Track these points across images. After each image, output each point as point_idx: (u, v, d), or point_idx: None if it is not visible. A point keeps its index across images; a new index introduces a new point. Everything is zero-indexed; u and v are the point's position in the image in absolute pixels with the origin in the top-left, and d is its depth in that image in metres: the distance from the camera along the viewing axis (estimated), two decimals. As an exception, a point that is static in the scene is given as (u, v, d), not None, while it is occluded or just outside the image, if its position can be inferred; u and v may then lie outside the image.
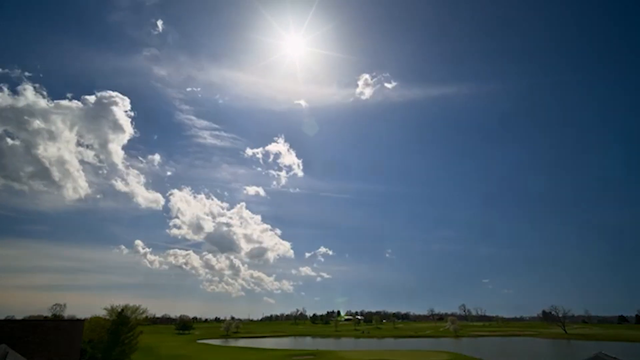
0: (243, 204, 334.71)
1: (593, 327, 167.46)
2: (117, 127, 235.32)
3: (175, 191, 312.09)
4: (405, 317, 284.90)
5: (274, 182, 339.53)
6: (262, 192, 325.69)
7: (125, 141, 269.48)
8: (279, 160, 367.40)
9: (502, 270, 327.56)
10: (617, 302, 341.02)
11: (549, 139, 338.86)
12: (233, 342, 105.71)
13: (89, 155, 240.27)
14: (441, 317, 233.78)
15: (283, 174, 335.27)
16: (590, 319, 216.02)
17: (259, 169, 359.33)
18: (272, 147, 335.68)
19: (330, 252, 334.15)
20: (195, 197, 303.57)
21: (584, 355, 31.07)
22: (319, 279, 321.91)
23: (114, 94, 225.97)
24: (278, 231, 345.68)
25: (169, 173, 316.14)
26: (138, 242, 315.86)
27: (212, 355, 65.76)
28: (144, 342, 60.88)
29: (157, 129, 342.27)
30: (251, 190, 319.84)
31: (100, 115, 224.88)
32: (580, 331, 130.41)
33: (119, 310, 49.85)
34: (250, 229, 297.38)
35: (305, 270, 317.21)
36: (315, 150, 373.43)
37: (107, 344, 42.26)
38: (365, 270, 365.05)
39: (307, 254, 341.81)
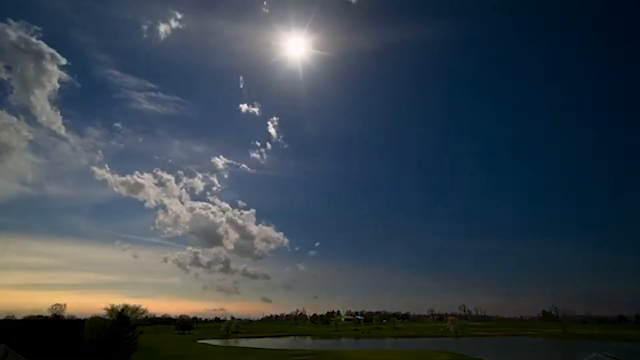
0: (217, 188, 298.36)
1: (593, 327, 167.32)
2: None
3: (139, 174, 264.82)
4: (405, 317, 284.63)
5: (250, 159, 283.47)
6: (232, 174, 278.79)
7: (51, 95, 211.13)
8: (250, 130, 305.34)
9: (503, 270, 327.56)
10: (617, 302, 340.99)
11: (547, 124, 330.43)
12: (233, 342, 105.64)
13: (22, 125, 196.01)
14: (441, 317, 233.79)
15: (257, 149, 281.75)
16: (590, 319, 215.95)
17: (225, 143, 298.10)
18: (242, 108, 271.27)
19: (328, 249, 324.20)
20: (155, 177, 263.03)
21: (584, 355, 31.07)
22: (316, 275, 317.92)
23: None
24: (266, 222, 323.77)
25: (116, 150, 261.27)
26: (113, 235, 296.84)
27: (212, 355, 65.70)
28: (144, 342, 60.91)
29: (72, 92, 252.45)
30: (221, 170, 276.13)
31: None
32: (580, 331, 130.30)
33: (119, 310, 49.97)
34: (232, 215, 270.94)
35: (302, 267, 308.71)
36: (298, 116, 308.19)
37: (107, 344, 42.22)
38: (364, 268, 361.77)
39: (297, 248, 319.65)
